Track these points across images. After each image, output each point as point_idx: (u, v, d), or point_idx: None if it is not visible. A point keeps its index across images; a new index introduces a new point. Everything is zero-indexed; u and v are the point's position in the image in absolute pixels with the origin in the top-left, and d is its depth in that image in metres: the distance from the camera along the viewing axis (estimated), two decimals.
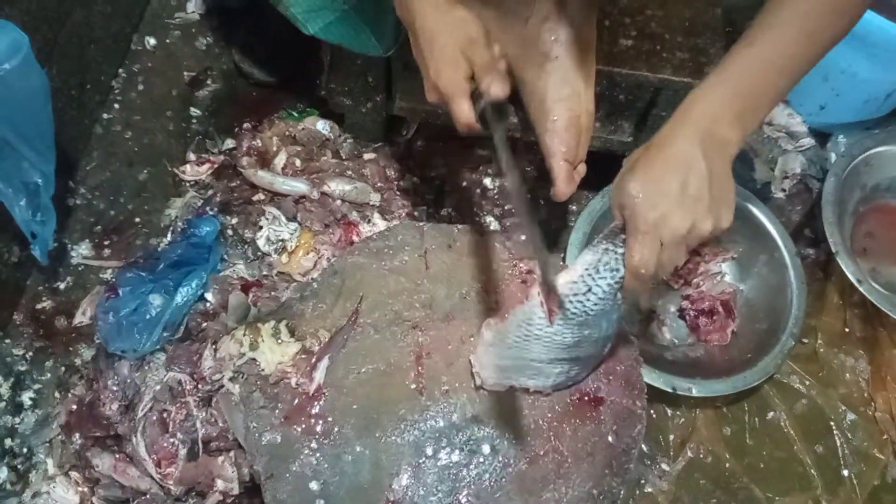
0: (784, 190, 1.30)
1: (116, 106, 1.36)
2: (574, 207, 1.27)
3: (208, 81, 1.40)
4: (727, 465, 1.13)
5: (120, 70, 1.40)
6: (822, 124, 1.32)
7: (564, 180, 1.00)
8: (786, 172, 1.30)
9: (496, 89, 0.80)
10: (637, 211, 0.73)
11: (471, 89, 0.81)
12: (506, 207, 1.28)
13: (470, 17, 0.83)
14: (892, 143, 1.26)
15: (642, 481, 1.11)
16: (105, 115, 1.34)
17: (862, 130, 1.29)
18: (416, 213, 1.24)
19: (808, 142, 1.31)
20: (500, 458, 0.89)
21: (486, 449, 0.89)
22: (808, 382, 1.18)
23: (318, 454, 0.89)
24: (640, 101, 1.16)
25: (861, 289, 1.13)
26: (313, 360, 0.95)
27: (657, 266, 0.74)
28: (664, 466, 1.12)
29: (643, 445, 1.12)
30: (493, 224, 1.25)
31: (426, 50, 0.82)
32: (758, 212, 1.19)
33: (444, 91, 0.82)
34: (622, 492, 0.89)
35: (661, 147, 0.74)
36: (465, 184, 1.29)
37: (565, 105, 1.00)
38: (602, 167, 1.14)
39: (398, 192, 1.26)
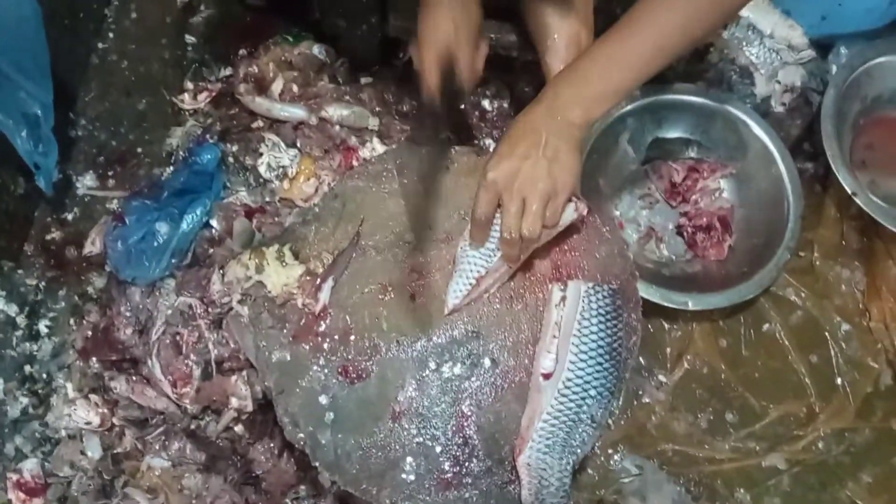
0: (784, 104, 1.29)
1: (111, 35, 1.34)
2: None
3: (202, 7, 1.38)
4: (723, 375, 1.16)
5: None
6: (824, 35, 1.29)
7: None
8: (786, 86, 1.28)
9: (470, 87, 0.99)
10: (487, 166, 0.89)
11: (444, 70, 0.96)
12: (504, 129, 1.28)
13: (472, 13, 0.96)
14: (895, 53, 1.24)
15: (640, 392, 1.14)
16: (100, 45, 1.33)
17: (864, 41, 1.26)
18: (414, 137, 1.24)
19: (809, 54, 1.29)
20: (500, 370, 0.92)
21: (486, 362, 0.93)
22: (803, 294, 1.20)
23: (325, 370, 0.92)
24: None
25: (858, 201, 1.13)
26: (318, 281, 0.97)
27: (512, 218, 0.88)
28: (661, 378, 1.15)
29: (641, 358, 1.15)
30: (492, 146, 1.26)
31: (426, 24, 0.95)
32: (756, 127, 1.18)
33: (423, 62, 0.96)
34: (619, 402, 0.93)
35: (518, 118, 0.91)
36: (462, 106, 1.29)
37: (565, 23, 1.00)
38: None
39: (396, 117, 1.26)
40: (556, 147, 0.87)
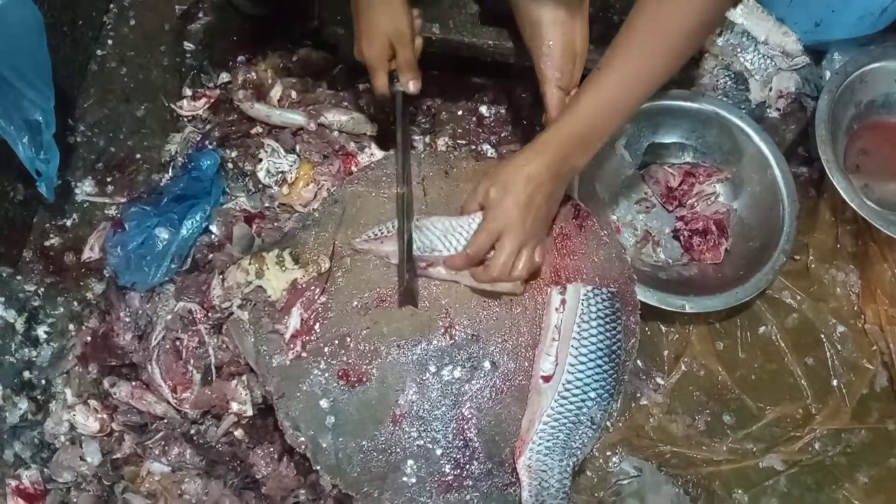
0: (779, 109, 1.30)
1: (110, 42, 1.35)
2: None
3: (200, 14, 1.39)
4: (719, 377, 1.17)
5: (111, 5, 1.38)
6: (818, 42, 1.31)
7: (556, 108, 1.01)
8: (780, 92, 1.30)
9: (413, 87, 1.03)
10: (491, 212, 0.91)
11: (390, 68, 1.02)
12: (502, 135, 1.29)
13: (406, 10, 0.99)
14: (888, 58, 1.26)
15: (638, 395, 1.15)
16: (99, 52, 1.34)
17: (857, 47, 1.28)
18: (412, 142, 1.25)
19: (803, 60, 1.31)
20: (500, 373, 0.93)
21: (486, 365, 0.93)
22: (799, 297, 1.21)
23: (326, 374, 0.93)
24: None
25: (852, 205, 1.14)
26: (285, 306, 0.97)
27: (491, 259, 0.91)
28: (659, 380, 1.16)
29: (639, 361, 1.16)
30: (490, 151, 1.26)
31: (364, 25, 0.99)
32: (751, 132, 1.20)
33: (369, 62, 1.01)
34: (617, 404, 0.93)
35: (521, 167, 0.90)
36: (460, 112, 1.30)
37: (560, 29, 1.00)
38: None
39: (394, 122, 1.26)
40: (556, 197, 0.95)
